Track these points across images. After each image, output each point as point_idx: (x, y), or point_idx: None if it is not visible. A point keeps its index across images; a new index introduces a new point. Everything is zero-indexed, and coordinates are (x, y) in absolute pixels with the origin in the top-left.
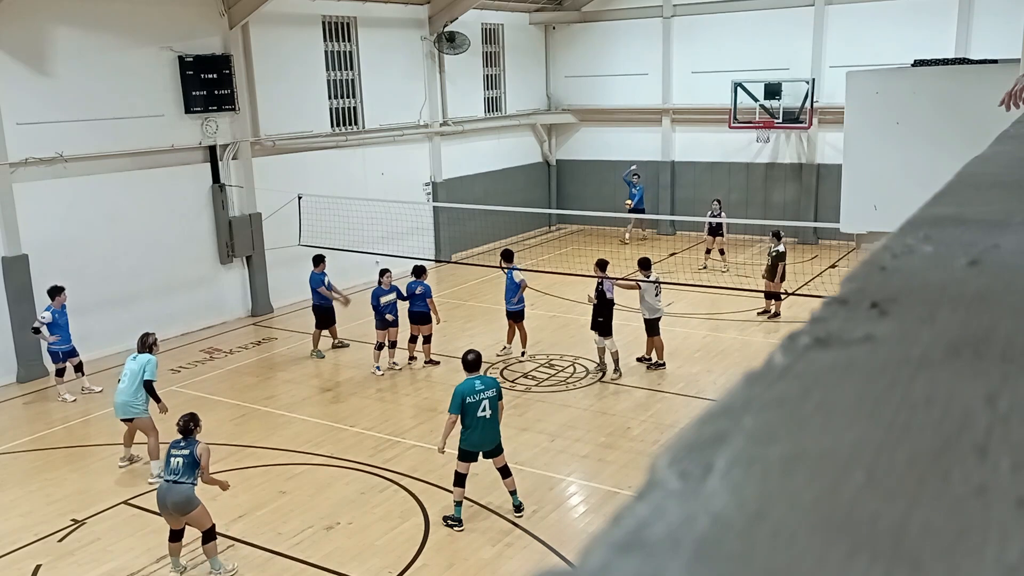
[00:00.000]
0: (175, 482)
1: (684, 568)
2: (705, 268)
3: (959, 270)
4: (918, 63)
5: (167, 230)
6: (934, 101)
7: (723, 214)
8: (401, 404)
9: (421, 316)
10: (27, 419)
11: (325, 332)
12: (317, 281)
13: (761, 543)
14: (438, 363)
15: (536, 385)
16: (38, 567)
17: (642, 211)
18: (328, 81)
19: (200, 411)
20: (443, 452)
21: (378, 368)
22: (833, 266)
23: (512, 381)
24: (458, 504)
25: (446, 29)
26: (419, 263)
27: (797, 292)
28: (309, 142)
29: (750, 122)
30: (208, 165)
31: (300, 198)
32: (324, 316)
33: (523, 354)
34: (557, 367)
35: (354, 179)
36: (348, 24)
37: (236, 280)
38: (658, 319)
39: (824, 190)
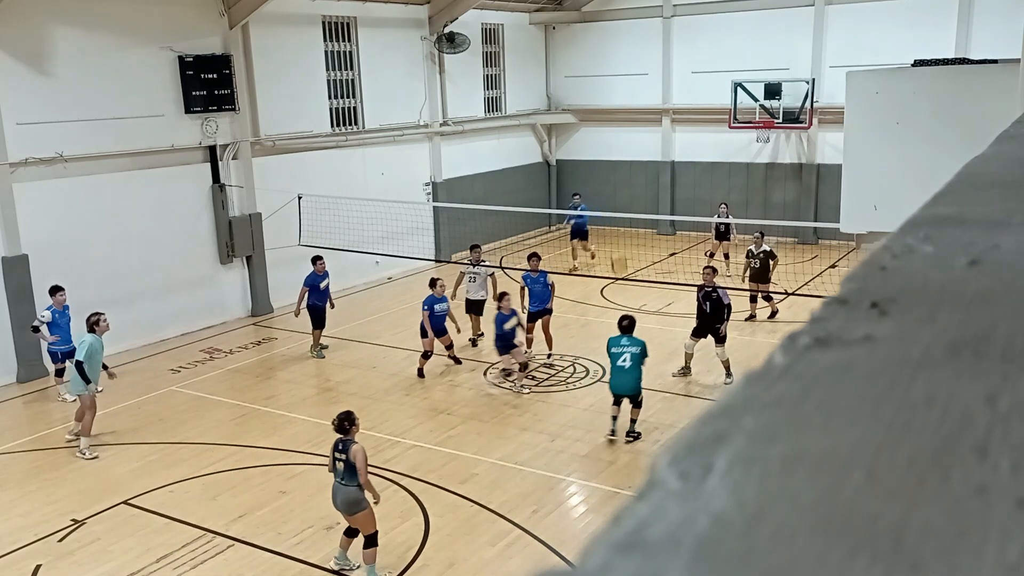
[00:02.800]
0: (344, 484)
1: (684, 568)
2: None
3: (959, 270)
4: (918, 63)
5: (167, 230)
6: (934, 101)
7: (730, 216)
8: (401, 404)
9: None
10: (27, 419)
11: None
12: (310, 280)
13: (761, 543)
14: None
15: (536, 385)
16: (38, 567)
17: (585, 233)
18: (328, 81)
19: (200, 411)
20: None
21: (422, 373)
22: (833, 266)
23: (512, 381)
24: (614, 418)
25: (446, 29)
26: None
27: (797, 292)
28: (309, 142)
29: (750, 122)
30: (208, 165)
31: (300, 198)
32: (317, 316)
33: (549, 356)
34: (557, 367)
35: (354, 179)
36: (348, 24)
37: (236, 280)
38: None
39: (824, 190)
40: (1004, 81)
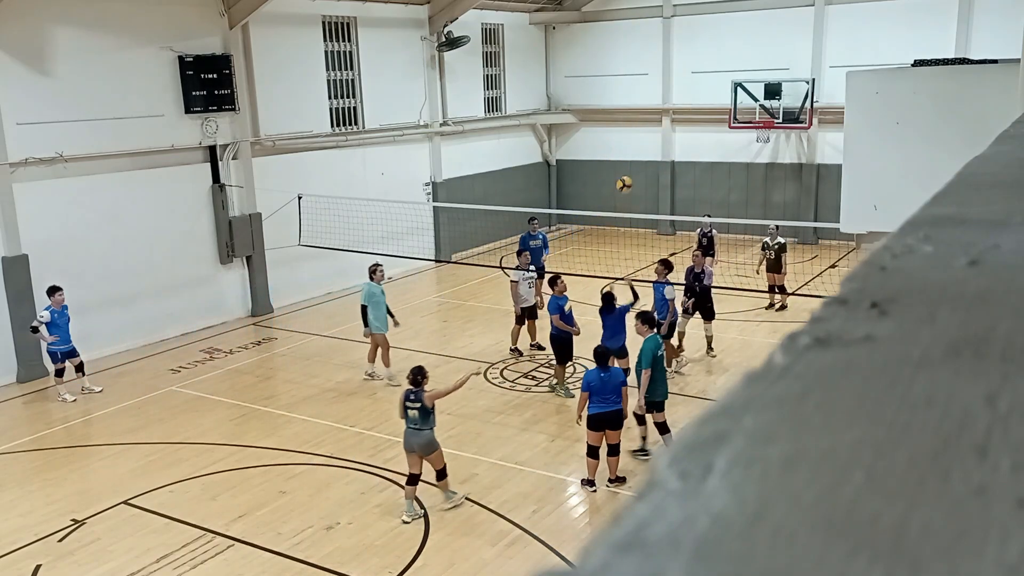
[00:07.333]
0: (418, 429)
1: (684, 568)
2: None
3: (959, 270)
4: (918, 63)
5: (167, 230)
6: (934, 101)
7: (714, 230)
8: None
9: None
10: (27, 419)
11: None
12: (556, 306)
13: (761, 543)
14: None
15: (536, 385)
16: (38, 567)
17: (540, 269)
18: (328, 81)
19: (200, 411)
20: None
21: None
22: (833, 266)
23: (512, 381)
24: (644, 438)
25: (446, 29)
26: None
27: (797, 292)
28: (309, 142)
29: (750, 122)
30: (208, 165)
31: (300, 198)
32: (564, 348)
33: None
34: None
35: (354, 179)
36: (348, 24)
37: (236, 280)
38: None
39: (824, 190)
40: (1004, 81)
